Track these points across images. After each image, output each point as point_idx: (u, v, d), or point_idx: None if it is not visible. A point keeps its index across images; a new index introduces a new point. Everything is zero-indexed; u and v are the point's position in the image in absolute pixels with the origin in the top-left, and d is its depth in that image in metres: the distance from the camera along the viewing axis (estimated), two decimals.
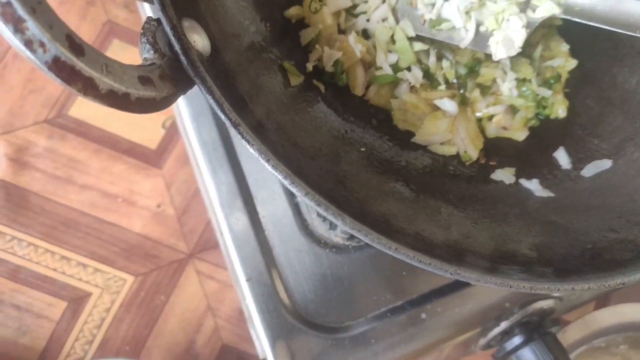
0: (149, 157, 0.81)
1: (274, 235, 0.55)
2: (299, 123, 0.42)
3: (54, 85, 0.82)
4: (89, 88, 0.26)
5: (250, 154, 0.36)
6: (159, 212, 0.80)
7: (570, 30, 0.50)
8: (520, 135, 0.49)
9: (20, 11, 0.24)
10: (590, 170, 0.46)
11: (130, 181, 0.80)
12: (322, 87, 0.47)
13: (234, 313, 0.81)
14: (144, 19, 0.69)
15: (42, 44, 0.24)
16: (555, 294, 0.57)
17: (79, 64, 0.25)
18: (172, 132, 0.81)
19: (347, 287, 0.54)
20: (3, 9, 0.24)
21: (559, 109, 0.49)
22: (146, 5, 0.66)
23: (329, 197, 0.32)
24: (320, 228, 0.54)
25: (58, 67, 0.24)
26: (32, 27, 0.24)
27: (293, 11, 0.47)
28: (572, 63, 0.50)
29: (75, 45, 0.25)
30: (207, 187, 0.57)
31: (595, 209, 0.43)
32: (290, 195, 0.55)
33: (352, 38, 0.46)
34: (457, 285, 0.55)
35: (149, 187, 0.80)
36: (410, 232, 0.37)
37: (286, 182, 0.30)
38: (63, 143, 0.80)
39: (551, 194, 0.45)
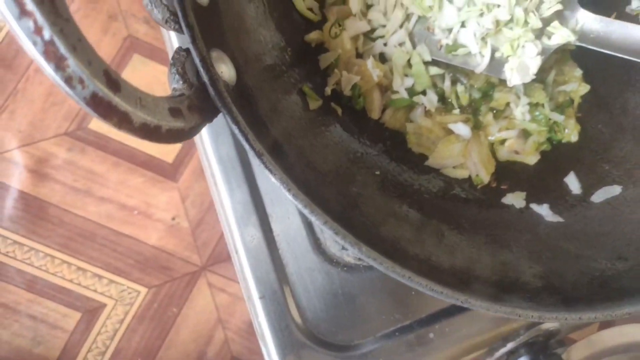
0: (166, 171, 0.83)
1: (288, 254, 0.56)
2: (317, 147, 0.43)
3: None
4: (124, 122, 0.27)
5: (265, 172, 0.38)
6: (173, 225, 0.82)
7: (584, 56, 0.51)
8: (532, 159, 0.50)
9: (62, 49, 0.25)
10: (600, 196, 0.47)
11: (147, 194, 0.82)
12: (339, 110, 0.48)
13: (243, 326, 0.83)
14: (165, 36, 0.71)
15: (81, 81, 0.26)
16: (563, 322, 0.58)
17: (115, 99, 0.26)
18: (188, 146, 0.83)
19: (357, 306, 0.55)
20: (46, 47, 0.25)
21: (571, 134, 0.50)
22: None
23: (345, 223, 0.33)
24: (332, 247, 0.55)
25: (95, 102, 0.26)
26: (73, 64, 0.25)
27: (313, 36, 0.48)
28: (585, 88, 0.51)
29: (112, 80, 0.27)
30: (224, 205, 0.59)
31: (604, 235, 0.44)
32: (304, 215, 0.56)
33: (370, 62, 0.47)
34: (465, 307, 0.56)
35: (164, 200, 0.82)
36: (422, 257, 0.38)
37: (306, 211, 0.31)
38: (82, 155, 0.82)
39: (561, 220, 0.46)
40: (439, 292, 0.31)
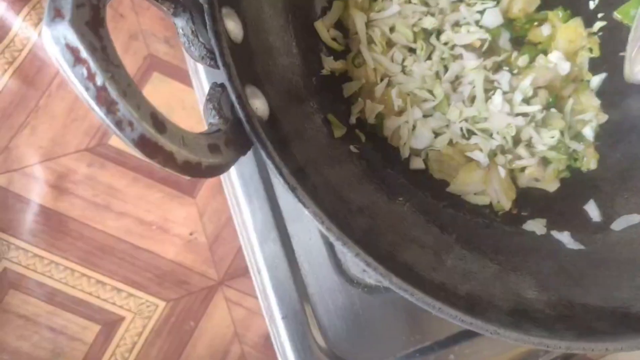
0: (184, 186, 0.84)
1: (309, 274, 0.56)
2: (343, 175, 0.44)
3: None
4: (169, 161, 0.28)
5: (287, 193, 0.38)
6: (191, 240, 0.83)
7: (602, 85, 0.52)
8: (552, 186, 0.50)
9: (113, 95, 0.26)
10: (620, 224, 0.48)
11: (165, 209, 0.83)
12: (362, 137, 0.49)
13: (260, 340, 0.83)
14: (187, 56, 0.72)
15: (130, 124, 0.27)
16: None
17: (162, 140, 0.28)
18: None
19: (377, 327, 0.56)
20: (98, 93, 0.26)
21: (590, 162, 0.51)
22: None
23: (374, 252, 0.34)
24: (353, 269, 0.56)
25: (143, 143, 0.27)
26: (122, 108, 0.27)
27: (337, 65, 0.49)
28: (603, 117, 0.51)
29: (158, 122, 0.28)
30: (245, 223, 0.59)
31: (626, 263, 0.45)
32: (326, 236, 0.57)
33: (394, 92, 0.48)
34: None
35: (182, 215, 0.83)
36: (447, 285, 0.39)
37: (338, 243, 0.32)
38: (102, 171, 0.84)
39: (582, 247, 0.46)
40: (469, 323, 0.32)
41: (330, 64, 0.49)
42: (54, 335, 0.81)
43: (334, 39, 0.50)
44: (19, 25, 0.88)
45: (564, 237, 0.47)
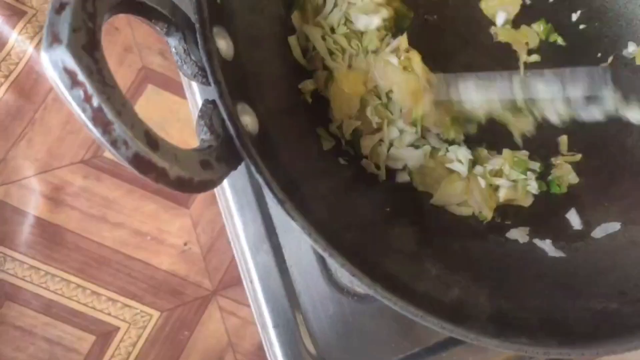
0: (178, 198, 0.86)
1: (300, 284, 0.58)
2: (332, 187, 0.46)
3: None
4: (161, 177, 0.29)
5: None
6: (185, 250, 0.84)
7: None
8: (527, 201, 0.51)
9: (109, 115, 0.28)
10: (600, 231, 0.49)
11: (160, 220, 0.84)
12: (352, 151, 0.50)
13: (253, 349, 0.84)
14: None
15: (125, 142, 0.28)
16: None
17: (155, 157, 0.29)
18: None
19: (367, 334, 0.57)
20: (94, 114, 0.28)
21: (568, 179, 0.52)
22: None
23: (360, 263, 0.36)
24: (344, 278, 0.57)
25: (137, 161, 0.28)
26: (118, 128, 0.28)
27: (307, 86, 0.49)
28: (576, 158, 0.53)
29: (151, 140, 0.29)
30: (238, 235, 0.61)
31: (606, 271, 0.46)
32: None
33: (369, 110, 0.49)
34: None
35: (177, 226, 0.84)
36: (431, 294, 0.40)
37: (325, 255, 0.33)
38: (98, 183, 0.85)
39: (563, 255, 0.48)
40: (450, 329, 0.34)
41: (305, 86, 0.49)
42: (49, 346, 0.82)
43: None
44: (15, 38, 0.90)
45: (546, 246, 0.48)
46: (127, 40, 0.90)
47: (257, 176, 0.34)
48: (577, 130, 0.52)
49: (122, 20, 0.92)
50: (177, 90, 0.88)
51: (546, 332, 0.38)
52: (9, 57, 0.90)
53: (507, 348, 0.34)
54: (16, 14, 0.91)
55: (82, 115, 0.27)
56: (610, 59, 0.54)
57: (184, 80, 0.74)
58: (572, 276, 0.46)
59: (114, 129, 0.28)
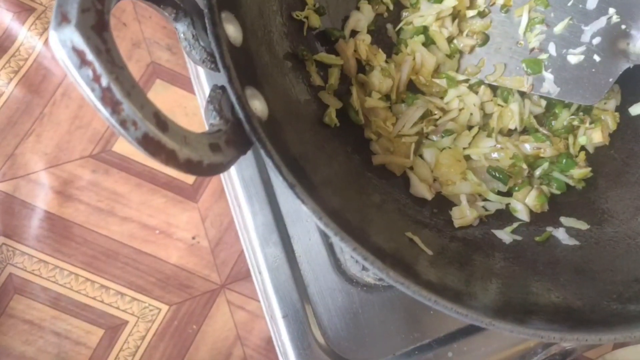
0: (186, 191, 0.85)
1: (309, 274, 0.57)
2: (341, 172, 0.45)
3: (100, 122, 0.87)
4: (171, 159, 0.29)
5: (286, 194, 0.39)
6: (193, 244, 0.84)
7: None
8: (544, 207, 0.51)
9: (118, 95, 0.28)
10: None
11: (168, 214, 0.84)
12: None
13: (262, 343, 0.84)
14: (189, 64, 0.74)
15: (134, 123, 0.28)
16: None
17: (164, 139, 0.29)
18: None
19: (377, 325, 0.57)
20: (103, 93, 0.27)
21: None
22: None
23: (372, 247, 0.35)
24: (352, 268, 0.57)
25: (147, 142, 0.28)
26: (127, 108, 0.28)
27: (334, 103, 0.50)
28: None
29: (161, 122, 0.29)
30: (247, 226, 0.61)
31: (620, 258, 0.45)
32: (325, 236, 0.58)
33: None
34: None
35: (185, 220, 0.84)
36: (447, 282, 0.40)
37: (336, 238, 0.33)
38: (106, 177, 0.85)
39: (577, 243, 0.47)
40: (464, 314, 0.33)
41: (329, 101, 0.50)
42: (58, 340, 0.82)
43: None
44: (25, 34, 0.90)
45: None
46: (135, 35, 0.90)
47: (267, 160, 0.33)
48: None
49: (130, 15, 0.92)
50: (185, 85, 0.88)
51: (561, 317, 0.37)
52: (18, 53, 0.90)
53: (521, 333, 0.33)
54: (25, 10, 0.91)
55: (91, 95, 0.27)
56: None
57: (192, 73, 0.73)
58: (587, 264, 0.45)
59: (123, 109, 0.27)
